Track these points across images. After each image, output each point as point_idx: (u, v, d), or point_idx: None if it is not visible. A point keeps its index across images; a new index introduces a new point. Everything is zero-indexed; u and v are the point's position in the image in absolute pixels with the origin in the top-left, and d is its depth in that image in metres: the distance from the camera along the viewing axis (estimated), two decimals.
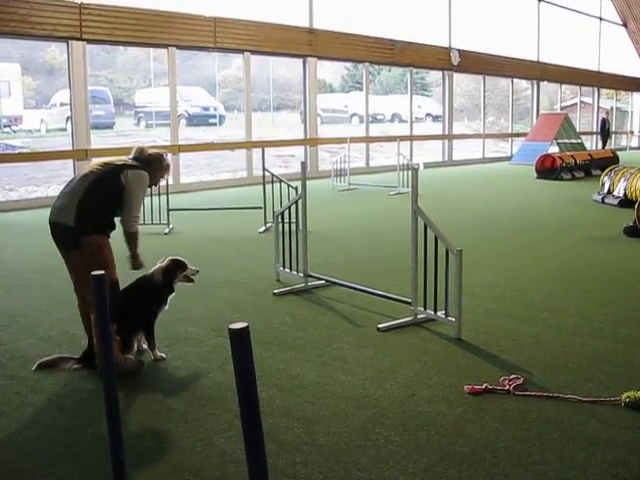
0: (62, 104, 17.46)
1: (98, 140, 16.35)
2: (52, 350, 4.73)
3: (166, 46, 15.33)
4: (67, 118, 15.36)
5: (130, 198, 4.48)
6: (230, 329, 1.36)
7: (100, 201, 4.42)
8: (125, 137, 20.63)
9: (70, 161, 14.19)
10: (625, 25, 35.70)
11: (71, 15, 13.42)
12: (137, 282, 4.75)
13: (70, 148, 14.04)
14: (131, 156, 4.71)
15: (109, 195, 4.46)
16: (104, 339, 2.02)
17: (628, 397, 3.85)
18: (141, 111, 22.15)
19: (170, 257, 4.82)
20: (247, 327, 1.36)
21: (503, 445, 3.42)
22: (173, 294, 4.77)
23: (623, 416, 3.73)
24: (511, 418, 3.73)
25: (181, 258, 4.84)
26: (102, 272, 1.95)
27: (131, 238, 4.58)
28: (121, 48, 18.97)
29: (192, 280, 4.91)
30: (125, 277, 4.69)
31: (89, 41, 13.92)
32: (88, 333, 4.57)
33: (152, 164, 4.72)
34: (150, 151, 4.82)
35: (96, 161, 4.70)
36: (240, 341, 1.35)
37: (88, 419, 3.74)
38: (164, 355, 4.69)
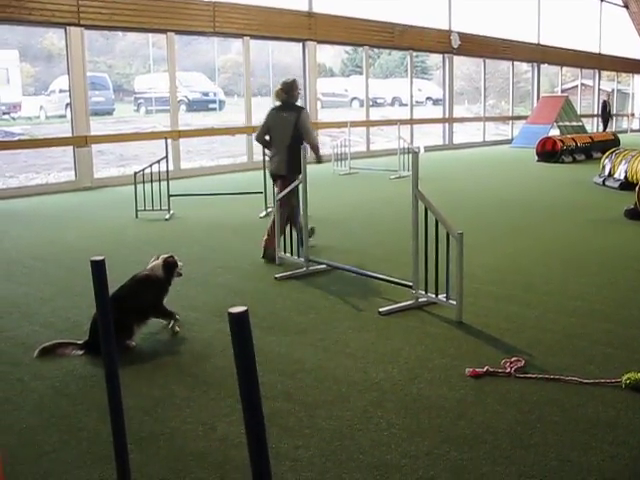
0: (61, 91, 17.42)
1: (98, 127, 16.33)
2: (54, 337, 4.74)
3: (165, 31, 15.26)
4: (66, 105, 15.33)
5: (308, 127, 7.33)
6: (230, 313, 1.36)
7: (297, 151, 6.78)
8: (125, 123, 20.58)
9: (70, 148, 14.16)
10: (626, 6, 35.48)
11: (69, 1, 13.34)
12: (140, 277, 4.92)
13: (70, 135, 14.00)
14: (278, 96, 7.35)
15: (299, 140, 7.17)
16: (105, 327, 2.02)
17: (628, 379, 3.86)
18: (141, 97, 22.09)
19: (163, 255, 5.04)
20: (246, 311, 1.36)
21: (504, 427, 3.43)
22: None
23: (623, 397, 3.74)
24: (512, 400, 3.74)
25: (173, 256, 5.07)
26: (102, 258, 1.95)
27: (316, 147, 7.49)
28: (120, 34, 18.92)
29: (180, 274, 5.15)
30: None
31: (87, 27, 13.85)
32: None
33: (294, 91, 7.41)
34: (288, 82, 7.40)
35: (273, 117, 7.34)
36: (240, 325, 1.35)
37: (91, 405, 3.75)
38: (178, 328, 4.96)
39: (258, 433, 1.40)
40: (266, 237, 7.22)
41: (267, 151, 7.84)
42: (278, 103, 7.39)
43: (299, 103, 7.67)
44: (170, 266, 4.96)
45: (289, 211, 7.22)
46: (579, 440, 3.29)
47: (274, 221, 7.14)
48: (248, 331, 1.36)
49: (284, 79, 7.55)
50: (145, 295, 4.81)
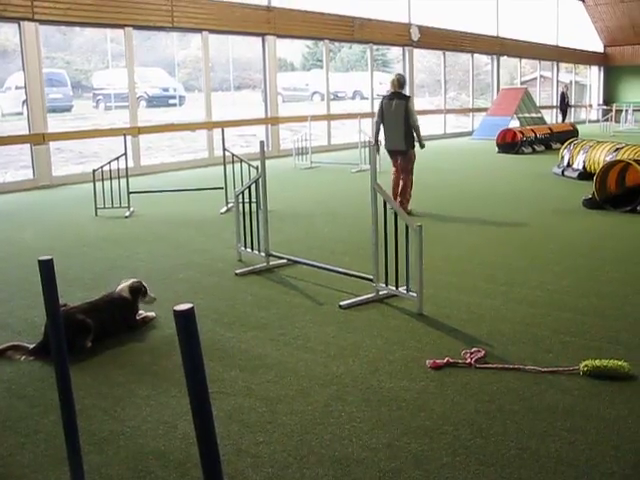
0: (17, 87, 17.08)
1: (56, 124, 16.07)
2: (11, 338, 4.66)
3: (123, 26, 15.05)
4: (23, 102, 15.03)
5: (413, 112, 9.11)
6: (175, 311, 1.34)
7: (409, 128, 9.09)
8: (84, 120, 20.30)
9: (27, 145, 13.91)
10: (582, 0, 35.93)
11: None
12: (109, 298, 4.94)
13: (27, 132, 13.76)
14: (394, 86, 9.27)
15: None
16: (55, 326, 1.99)
17: (586, 366, 3.91)
18: (99, 93, 21.82)
19: (132, 280, 5.08)
20: (192, 308, 1.33)
21: (465, 417, 3.45)
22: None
23: (581, 384, 3.80)
24: (472, 391, 3.76)
25: (143, 283, 5.10)
26: (50, 257, 1.91)
27: (418, 129, 9.17)
28: (77, 29, 18.60)
29: (154, 299, 5.21)
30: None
31: (42, 22, 13.55)
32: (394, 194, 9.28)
33: (404, 84, 9.48)
34: (396, 78, 9.38)
35: (387, 104, 9.26)
36: (186, 323, 1.32)
37: (48, 406, 3.68)
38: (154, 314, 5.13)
39: (207, 432, 1.38)
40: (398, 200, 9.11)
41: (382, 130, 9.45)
42: (391, 91, 9.28)
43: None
44: (135, 291, 4.99)
45: (404, 177, 9.25)
46: (538, 428, 3.33)
47: (398, 185, 9.31)
48: (194, 329, 1.33)
49: (398, 73, 9.78)
50: (114, 314, 4.82)
